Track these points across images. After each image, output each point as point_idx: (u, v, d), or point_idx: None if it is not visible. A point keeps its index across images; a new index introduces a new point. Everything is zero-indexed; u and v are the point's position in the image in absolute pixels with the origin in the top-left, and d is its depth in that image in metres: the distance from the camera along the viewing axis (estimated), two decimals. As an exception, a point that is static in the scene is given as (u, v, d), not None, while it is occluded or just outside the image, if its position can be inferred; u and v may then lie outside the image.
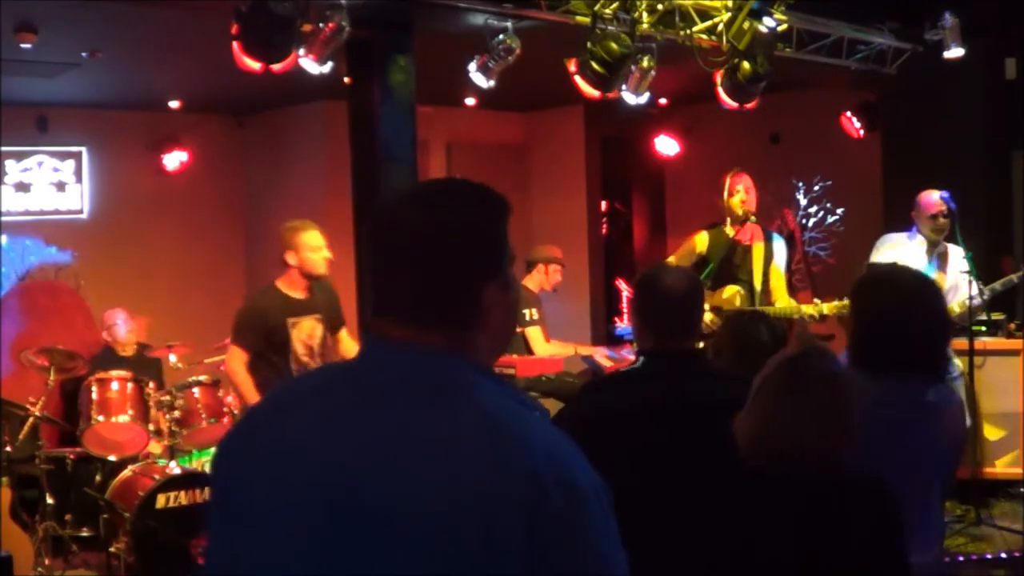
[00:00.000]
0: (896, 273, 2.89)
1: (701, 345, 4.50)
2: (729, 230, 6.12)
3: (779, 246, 6.16)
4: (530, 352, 6.36)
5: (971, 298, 5.87)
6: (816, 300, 5.94)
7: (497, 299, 1.46)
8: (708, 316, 5.94)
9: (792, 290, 6.51)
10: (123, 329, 6.99)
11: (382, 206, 1.51)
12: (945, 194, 6.06)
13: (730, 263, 6.07)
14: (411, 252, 1.44)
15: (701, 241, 6.19)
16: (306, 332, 5.42)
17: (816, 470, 2.32)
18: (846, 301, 5.79)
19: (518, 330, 6.28)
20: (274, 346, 5.39)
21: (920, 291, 2.74)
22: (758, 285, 6.07)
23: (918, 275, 2.86)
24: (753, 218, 6.09)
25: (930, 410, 2.65)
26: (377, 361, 1.45)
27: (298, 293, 5.41)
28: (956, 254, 6.08)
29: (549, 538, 1.29)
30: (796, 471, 2.33)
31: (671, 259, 6.41)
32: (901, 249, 6.13)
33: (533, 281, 6.65)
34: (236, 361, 5.44)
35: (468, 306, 1.44)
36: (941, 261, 6.12)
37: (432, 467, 1.31)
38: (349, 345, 5.64)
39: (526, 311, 6.40)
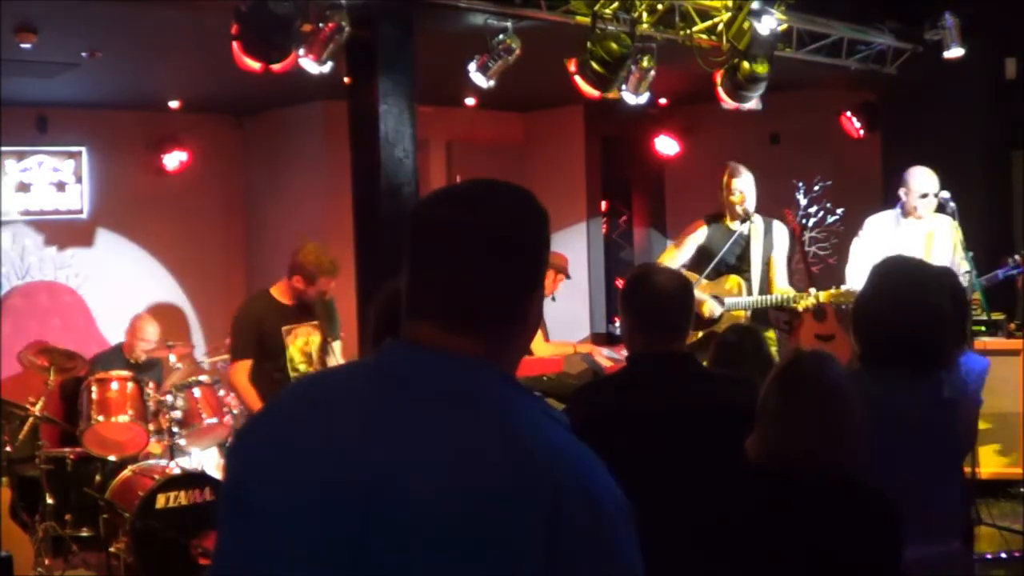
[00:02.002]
0: (895, 270, 2.87)
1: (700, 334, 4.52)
2: (730, 223, 6.14)
3: (780, 237, 6.17)
4: (529, 352, 6.36)
5: (970, 295, 5.91)
6: (812, 289, 5.96)
7: (535, 308, 1.46)
8: (708, 306, 5.97)
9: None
10: (152, 345, 6.90)
11: (434, 206, 1.47)
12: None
13: (730, 254, 6.09)
14: (473, 258, 1.41)
15: (701, 232, 6.21)
16: (303, 340, 5.40)
17: (812, 473, 2.32)
18: (842, 289, 5.87)
19: None
20: (268, 354, 5.35)
21: (921, 285, 2.73)
22: (756, 276, 6.09)
23: (917, 269, 2.84)
24: (752, 218, 6.10)
25: (947, 406, 2.65)
26: (407, 364, 1.42)
27: (291, 302, 5.40)
28: (944, 228, 6.14)
29: (570, 552, 1.28)
30: (793, 474, 2.33)
31: (671, 248, 6.42)
32: (888, 238, 6.19)
33: None
34: (239, 372, 5.40)
35: (515, 316, 1.44)
36: (928, 241, 6.18)
37: (457, 474, 1.31)
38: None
39: None
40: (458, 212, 1.43)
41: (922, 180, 6.20)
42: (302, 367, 5.36)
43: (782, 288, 6.10)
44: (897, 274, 2.79)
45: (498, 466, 1.31)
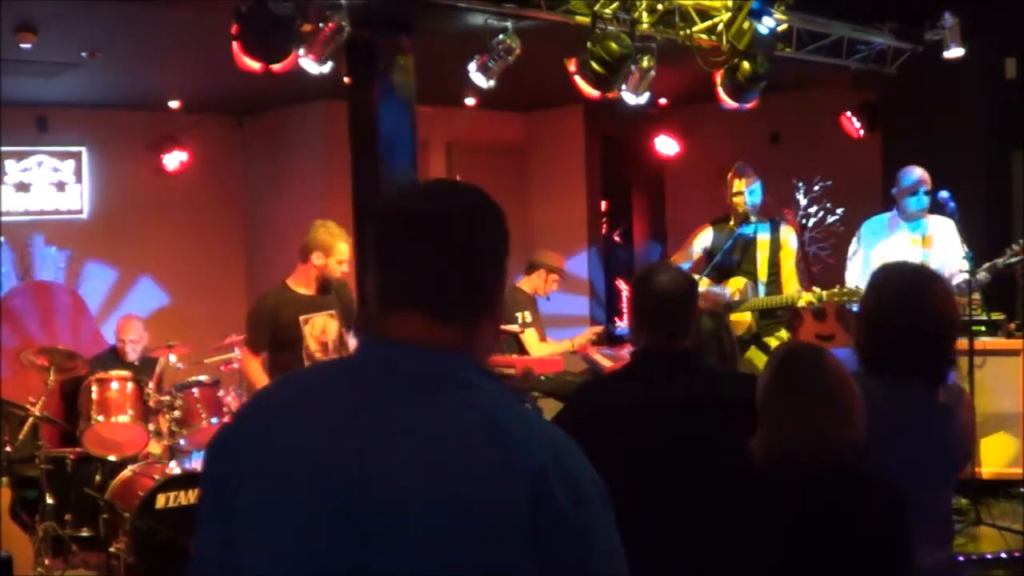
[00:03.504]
0: (896, 275, 2.86)
1: None
2: (733, 225, 6.13)
3: (788, 238, 6.16)
4: (525, 352, 6.33)
5: (970, 293, 5.90)
6: (815, 288, 5.96)
7: (501, 299, 1.51)
8: (713, 295, 5.98)
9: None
10: (140, 346, 6.87)
11: (397, 198, 1.50)
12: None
13: (732, 256, 6.09)
14: (440, 240, 1.44)
15: (706, 234, 6.21)
16: (319, 328, 5.39)
17: (818, 464, 2.32)
18: (844, 288, 5.87)
19: (515, 331, 6.26)
20: (285, 344, 5.34)
21: (921, 291, 2.72)
22: (763, 276, 6.07)
23: (918, 274, 2.84)
24: (753, 217, 6.09)
25: (942, 412, 2.65)
26: (383, 359, 1.44)
27: (309, 290, 5.39)
28: (938, 229, 6.15)
29: (554, 536, 1.31)
30: (798, 467, 2.33)
31: (679, 253, 6.42)
32: (885, 240, 6.19)
33: (529, 284, 6.59)
34: (251, 364, 5.41)
35: (487, 304, 1.47)
36: (926, 242, 6.18)
37: (439, 466, 1.33)
38: None
39: (518, 313, 6.35)
40: (430, 204, 1.47)
41: (910, 179, 6.19)
42: (318, 355, 5.35)
43: (793, 288, 6.08)
44: (897, 280, 2.79)
45: (483, 456, 1.33)
